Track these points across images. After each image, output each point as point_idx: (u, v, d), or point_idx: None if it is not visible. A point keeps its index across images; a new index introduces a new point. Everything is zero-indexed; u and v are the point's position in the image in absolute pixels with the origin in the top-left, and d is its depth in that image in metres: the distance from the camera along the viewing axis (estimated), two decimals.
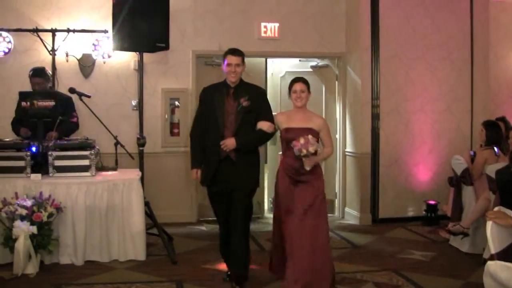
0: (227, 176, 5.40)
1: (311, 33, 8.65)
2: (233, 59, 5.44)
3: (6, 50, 7.63)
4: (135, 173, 6.58)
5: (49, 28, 7.52)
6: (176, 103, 8.36)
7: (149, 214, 6.75)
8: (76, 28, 7.64)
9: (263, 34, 8.48)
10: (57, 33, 7.44)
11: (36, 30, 7.46)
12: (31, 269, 5.75)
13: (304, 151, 5.22)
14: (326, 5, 8.68)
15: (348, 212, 8.73)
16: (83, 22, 7.86)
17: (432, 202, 8.30)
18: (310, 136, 5.26)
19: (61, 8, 7.92)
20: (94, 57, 7.92)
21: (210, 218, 7.94)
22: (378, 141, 8.39)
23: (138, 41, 6.69)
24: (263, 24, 8.47)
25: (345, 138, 8.79)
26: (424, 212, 8.37)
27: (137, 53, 7.21)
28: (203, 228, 8.06)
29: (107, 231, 6.25)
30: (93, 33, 7.70)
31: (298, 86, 5.53)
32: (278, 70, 8.93)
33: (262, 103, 5.55)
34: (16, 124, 6.90)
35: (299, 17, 8.60)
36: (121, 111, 8.12)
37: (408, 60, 8.47)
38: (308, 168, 5.37)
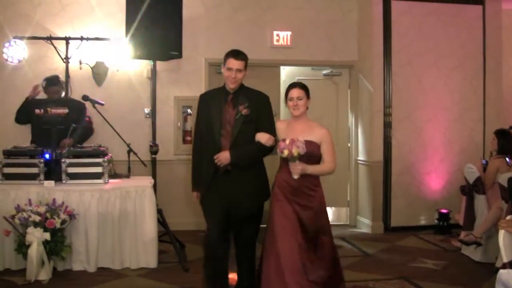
0: (225, 192, 4.91)
1: (323, 42, 8.66)
2: (234, 63, 4.91)
3: (20, 58, 7.69)
4: (148, 181, 6.60)
5: (63, 36, 7.57)
6: (189, 111, 8.38)
7: (161, 221, 6.76)
8: (90, 36, 7.67)
9: (275, 43, 8.49)
10: (70, 41, 7.48)
11: (50, 38, 7.50)
12: (44, 275, 5.79)
13: (286, 152, 4.66)
14: (339, 14, 8.69)
15: (360, 221, 8.71)
16: (97, 30, 7.91)
17: (444, 210, 8.25)
18: (300, 139, 4.71)
19: (75, 16, 7.98)
20: (107, 65, 7.97)
21: None
22: (390, 149, 8.37)
23: (152, 49, 6.69)
24: (275, 32, 8.48)
25: (357, 146, 8.78)
26: (436, 221, 8.32)
27: (150, 61, 7.25)
28: None
29: (119, 238, 6.28)
30: (107, 41, 7.73)
31: (294, 93, 4.92)
32: (291, 78, 8.90)
33: (263, 112, 4.99)
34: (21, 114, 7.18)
35: (312, 26, 8.61)
36: (134, 119, 8.15)
37: (420, 69, 8.45)
38: (295, 177, 4.75)
